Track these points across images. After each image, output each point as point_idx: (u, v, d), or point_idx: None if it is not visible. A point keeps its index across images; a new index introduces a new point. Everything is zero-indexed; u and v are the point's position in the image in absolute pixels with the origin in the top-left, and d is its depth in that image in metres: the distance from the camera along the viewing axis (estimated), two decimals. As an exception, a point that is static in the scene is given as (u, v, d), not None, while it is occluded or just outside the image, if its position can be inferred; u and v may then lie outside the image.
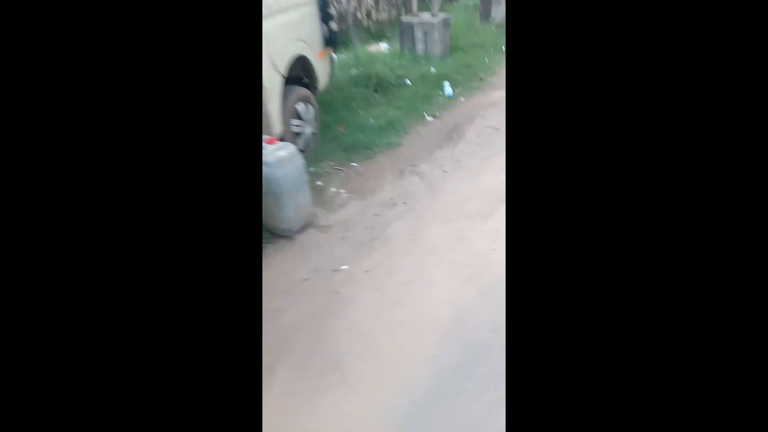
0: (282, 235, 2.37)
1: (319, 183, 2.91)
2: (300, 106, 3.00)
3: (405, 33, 5.04)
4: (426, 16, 4.98)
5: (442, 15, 5.05)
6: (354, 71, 4.35)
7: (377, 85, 4.25)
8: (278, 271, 2.15)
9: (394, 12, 7.10)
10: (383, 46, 5.75)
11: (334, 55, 3.53)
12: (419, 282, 2.00)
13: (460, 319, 1.80)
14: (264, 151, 2.15)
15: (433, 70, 4.61)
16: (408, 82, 4.40)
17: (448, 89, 4.26)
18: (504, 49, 5.59)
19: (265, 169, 2.10)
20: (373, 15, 6.74)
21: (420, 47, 5.02)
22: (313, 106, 3.18)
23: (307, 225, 2.47)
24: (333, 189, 2.85)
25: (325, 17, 3.26)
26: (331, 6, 3.62)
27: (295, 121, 2.98)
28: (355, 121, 3.68)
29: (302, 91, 3.04)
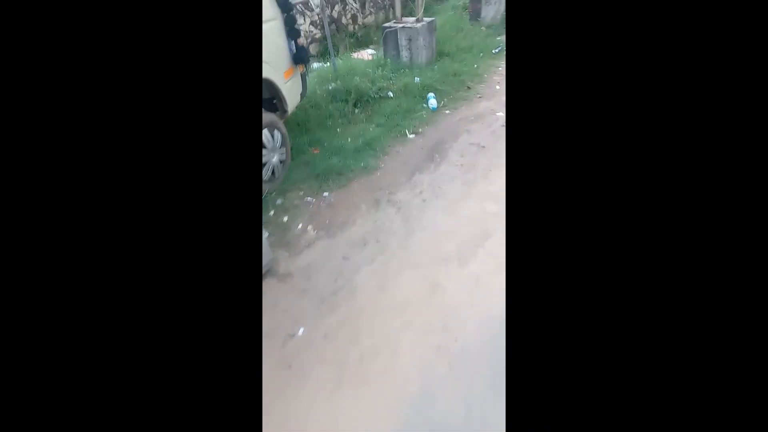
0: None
1: (284, 219, 2.65)
2: (264, 134, 2.74)
3: (388, 40, 4.74)
4: (410, 21, 4.68)
5: (427, 19, 4.74)
6: (332, 85, 4.07)
7: (357, 99, 3.97)
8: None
9: (381, 15, 6.80)
10: (369, 53, 5.46)
11: (304, 72, 3.24)
12: (384, 351, 1.74)
13: (428, 401, 1.54)
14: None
15: (417, 80, 4.32)
16: (390, 94, 4.12)
17: (432, 102, 3.97)
18: (494, 52, 5.28)
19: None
20: (359, 19, 6.44)
21: (404, 54, 4.72)
22: (280, 132, 2.91)
23: (266, 273, 2.21)
24: (300, 225, 2.59)
25: (291, 32, 2.97)
26: (301, 19, 3.32)
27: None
28: (331, 143, 3.41)
29: (266, 116, 2.78)
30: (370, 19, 6.53)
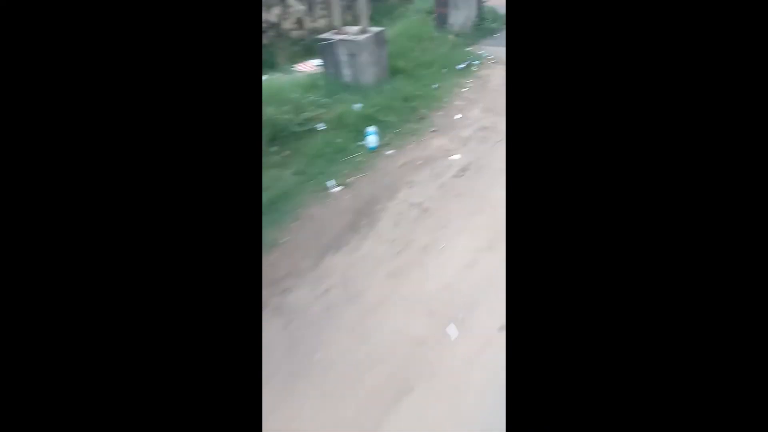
0: None
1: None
2: None
3: (326, 54, 3.87)
4: (353, 31, 3.81)
5: (374, 29, 3.88)
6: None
7: (275, 133, 3.10)
8: None
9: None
10: (316, 63, 4.57)
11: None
12: None
13: None
14: None
15: (357, 106, 3.47)
16: (321, 126, 3.26)
17: (371, 139, 3.13)
18: (458, 67, 4.46)
19: None
20: (307, 23, 5.53)
21: (346, 73, 3.86)
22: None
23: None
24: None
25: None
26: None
27: None
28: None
29: None
30: (320, 22, 5.63)
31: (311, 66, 4.64)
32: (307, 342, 1.74)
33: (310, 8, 5.52)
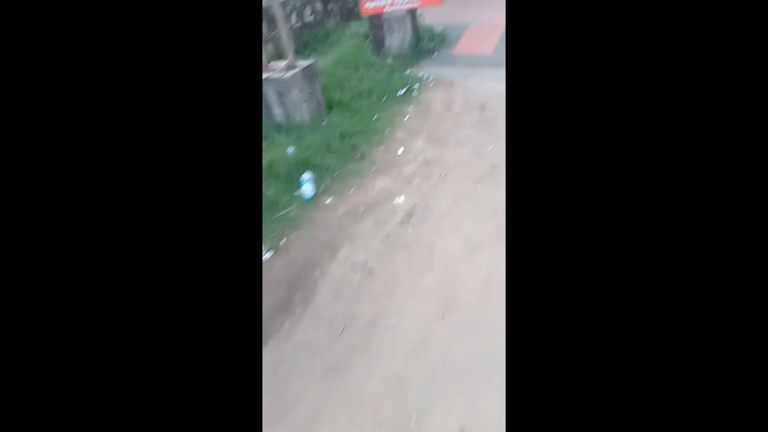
0: None
1: None
2: None
3: (252, 94, 3.54)
4: (279, 67, 3.50)
5: (303, 62, 3.58)
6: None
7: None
8: None
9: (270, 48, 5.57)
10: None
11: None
12: None
13: None
14: None
15: (290, 150, 3.15)
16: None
17: (307, 188, 2.81)
18: (399, 94, 4.25)
19: None
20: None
21: (277, 113, 3.54)
22: None
23: None
24: None
25: None
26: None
27: None
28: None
29: None
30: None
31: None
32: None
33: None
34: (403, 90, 4.29)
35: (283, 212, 2.66)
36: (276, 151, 3.13)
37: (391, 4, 4.89)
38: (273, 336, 1.88)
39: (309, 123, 3.54)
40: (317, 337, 1.85)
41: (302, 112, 3.54)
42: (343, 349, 1.78)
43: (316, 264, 2.27)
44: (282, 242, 2.44)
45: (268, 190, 2.80)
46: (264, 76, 3.42)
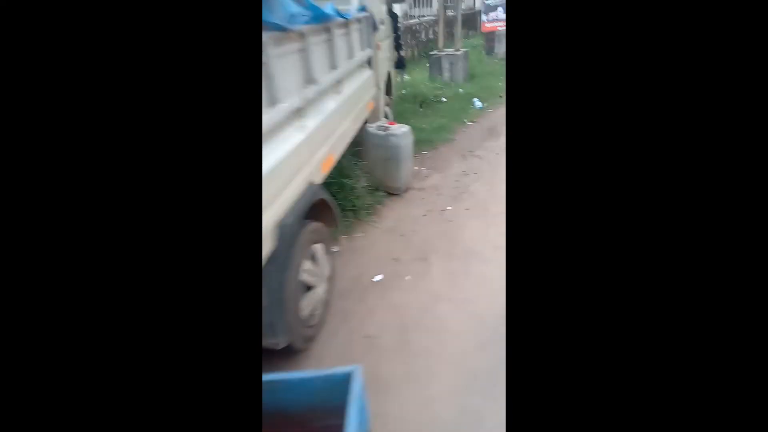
0: (393, 193, 3.23)
1: (403, 165, 3.82)
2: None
3: (434, 64, 6.26)
4: (450, 50, 6.22)
5: (462, 49, 6.30)
6: (403, 91, 5.46)
7: (421, 102, 5.32)
8: (402, 212, 3.00)
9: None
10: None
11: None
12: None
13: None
14: (391, 129, 3.08)
15: (461, 90, 5.75)
16: (444, 99, 5.50)
17: (477, 103, 5.37)
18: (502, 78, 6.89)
19: (393, 140, 3.02)
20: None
21: (446, 75, 6.21)
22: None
23: (407, 188, 3.34)
24: (416, 168, 3.76)
25: (397, 47, 4.35)
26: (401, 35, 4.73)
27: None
28: (413, 125, 4.66)
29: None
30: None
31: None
32: (493, 162, 3.79)
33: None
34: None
35: (469, 111, 5.20)
36: (453, 90, 5.74)
37: (502, 25, 7.62)
38: (490, 139, 4.33)
39: (461, 82, 6.17)
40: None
41: (459, 76, 6.18)
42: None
43: (497, 127, 4.73)
44: (474, 120, 4.95)
45: (458, 105, 5.36)
46: (443, 53, 6.13)
